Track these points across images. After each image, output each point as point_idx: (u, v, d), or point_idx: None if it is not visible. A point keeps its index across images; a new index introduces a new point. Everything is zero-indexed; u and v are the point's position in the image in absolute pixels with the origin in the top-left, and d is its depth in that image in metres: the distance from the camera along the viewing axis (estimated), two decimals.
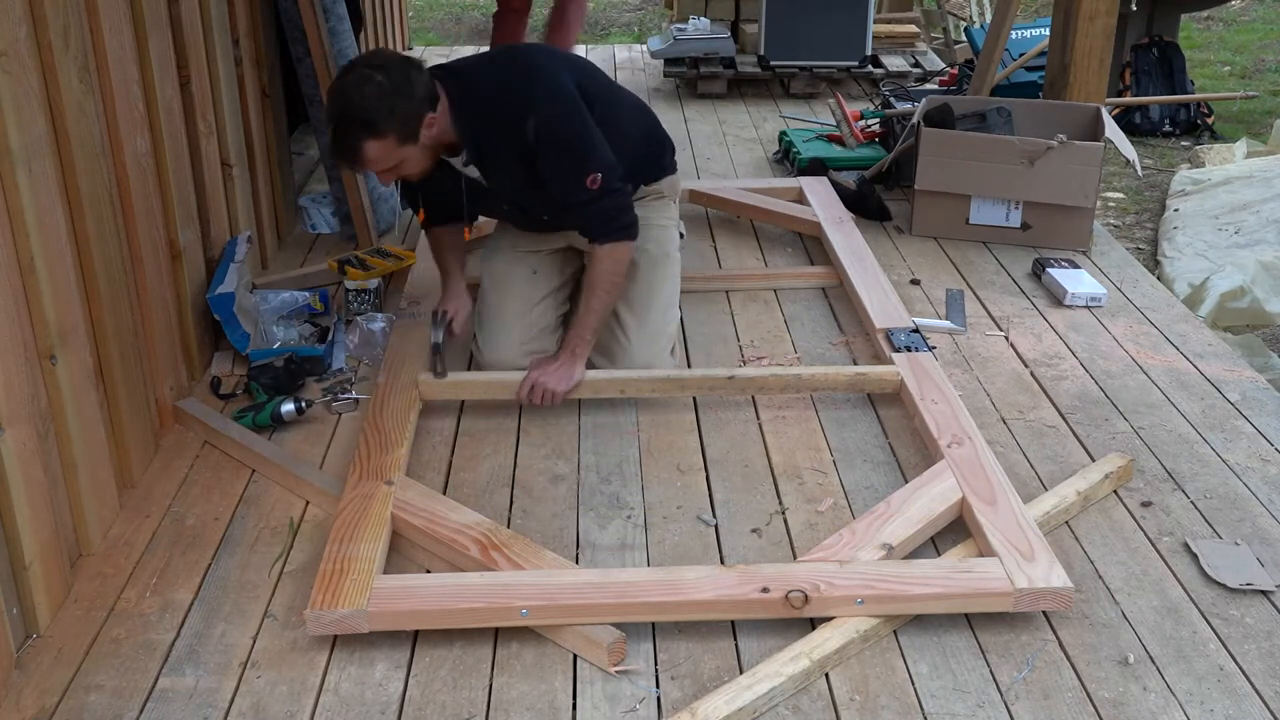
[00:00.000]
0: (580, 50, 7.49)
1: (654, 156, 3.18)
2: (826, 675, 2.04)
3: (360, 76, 2.58)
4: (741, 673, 2.02)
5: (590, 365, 2.94)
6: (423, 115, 2.61)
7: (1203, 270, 4.33)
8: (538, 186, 2.81)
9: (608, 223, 2.83)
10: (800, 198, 4.18)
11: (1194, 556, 2.35)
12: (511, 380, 2.89)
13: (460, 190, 2.90)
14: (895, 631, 2.14)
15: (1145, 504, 2.53)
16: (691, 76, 6.17)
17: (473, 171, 2.85)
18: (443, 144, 2.73)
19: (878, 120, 4.93)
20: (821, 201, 4.07)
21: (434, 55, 7.23)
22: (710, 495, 2.58)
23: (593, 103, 2.82)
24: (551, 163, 2.75)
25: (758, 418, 2.89)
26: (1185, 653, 2.09)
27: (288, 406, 2.82)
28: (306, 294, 3.36)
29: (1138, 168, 4.10)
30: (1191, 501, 2.54)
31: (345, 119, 2.57)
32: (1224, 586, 2.26)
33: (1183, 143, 6.14)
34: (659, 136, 3.21)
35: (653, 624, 2.15)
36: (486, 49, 3.41)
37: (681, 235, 3.33)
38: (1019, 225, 3.93)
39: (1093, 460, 2.68)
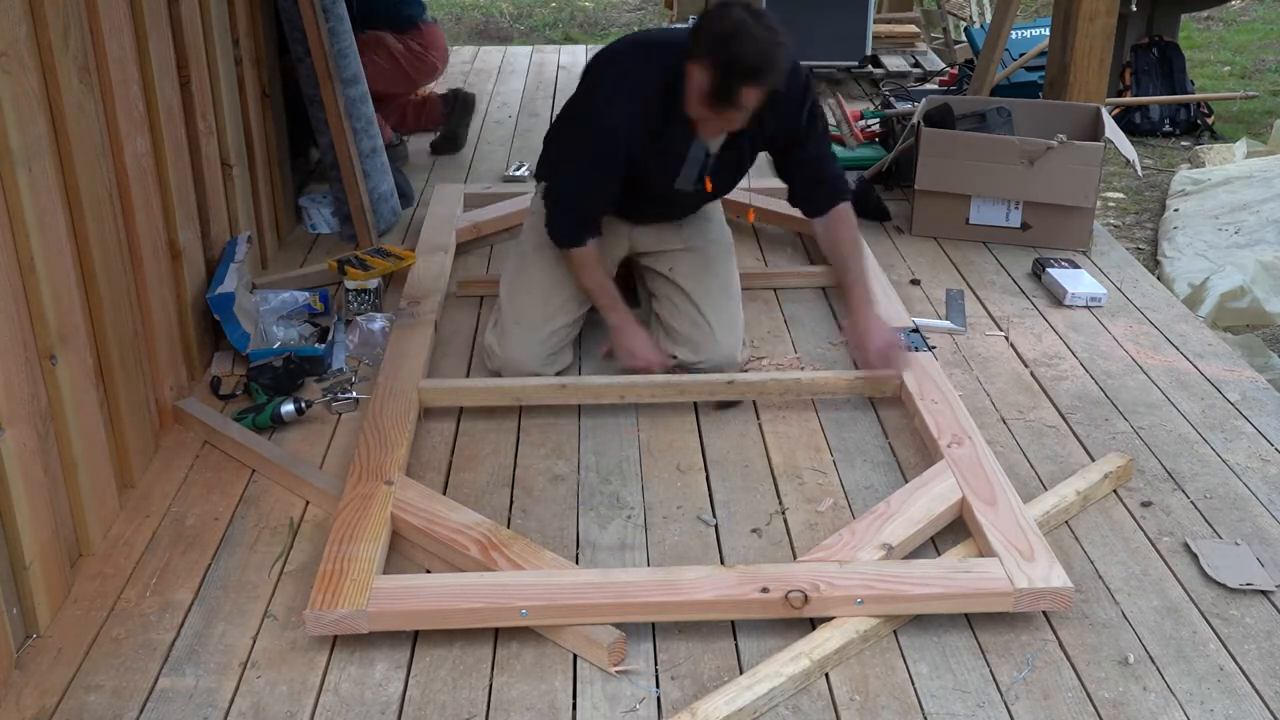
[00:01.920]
0: (580, 50, 7.49)
1: None
2: (826, 675, 2.04)
3: (775, 26, 2.59)
4: (741, 673, 2.02)
5: (654, 365, 2.97)
6: None
7: (1203, 270, 4.33)
8: (737, 172, 2.98)
9: (843, 181, 3.01)
10: None
11: (1194, 556, 2.35)
12: (512, 387, 2.89)
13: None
14: (895, 631, 2.14)
15: (1145, 504, 2.53)
16: None
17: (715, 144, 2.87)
18: None
19: (878, 120, 4.93)
20: None
21: None
22: (710, 495, 2.58)
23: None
24: (808, 126, 2.89)
25: (758, 418, 2.89)
26: (1185, 653, 2.09)
27: (288, 407, 2.82)
28: (306, 294, 3.36)
29: (1138, 168, 4.10)
30: (1191, 501, 2.54)
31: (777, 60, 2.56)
32: (1224, 586, 2.26)
33: (1183, 143, 6.14)
34: None
35: (653, 624, 2.15)
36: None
37: None
38: (1019, 225, 3.93)
39: (1093, 460, 2.68)
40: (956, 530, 2.39)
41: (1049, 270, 3.64)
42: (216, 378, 3.03)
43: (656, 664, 2.07)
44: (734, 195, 4.13)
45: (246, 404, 2.92)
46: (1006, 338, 3.32)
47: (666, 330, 3.05)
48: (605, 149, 2.79)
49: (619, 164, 2.80)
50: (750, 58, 2.51)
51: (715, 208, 3.22)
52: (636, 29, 9.55)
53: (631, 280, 3.25)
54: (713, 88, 2.56)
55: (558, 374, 3.01)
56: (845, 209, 3.01)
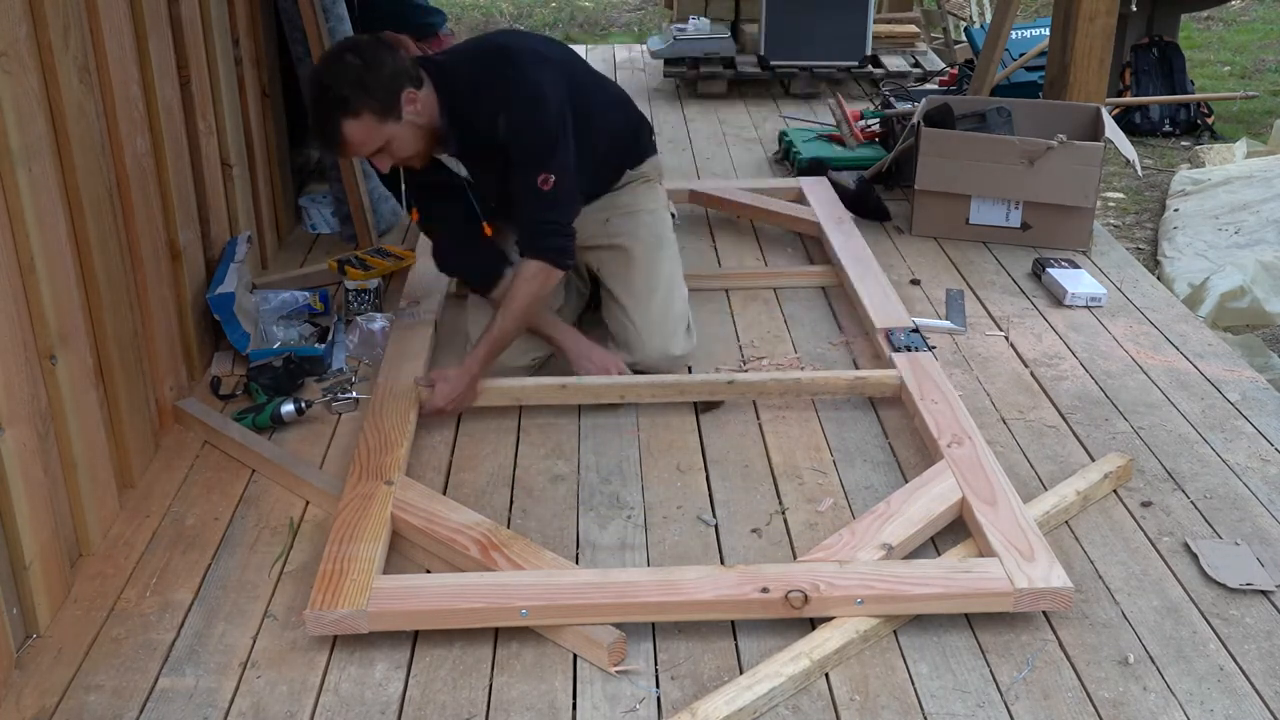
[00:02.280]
0: (580, 50, 7.49)
1: (634, 136, 3.18)
2: (826, 675, 2.04)
3: (331, 57, 2.61)
4: (741, 673, 2.02)
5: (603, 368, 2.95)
6: (400, 89, 2.58)
7: (1203, 270, 4.33)
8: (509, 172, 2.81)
9: (541, 234, 2.77)
10: (800, 198, 4.18)
11: (1194, 556, 2.35)
12: (511, 387, 2.89)
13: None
14: (895, 631, 2.14)
15: (1145, 504, 2.53)
16: (691, 76, 6.16)
17: (459, 167, 2.84)
18: (433, 129, 2.70)
19: (878, 120, 4.93)
20: (821, 201, 4.07)
21: None
22: (710, 495, 2.58)
23: (575, 92, 2.81)
24: (516, 156, 2.74)
25: (758, 418, 2.89)
26: (1185, 653, 2.09)
27: (287, 407, 2.81)
28: (306, 294, 3.36)
29: (1138, 168, 4.10)
30: (1191, 501, 2.54)
31: (320, 101, 2.58)
32: (1224, 586, 2.26)
33: (1183, 143, 6.14)
34: (636, 116, 3.22)
35: (653, 624, 2.15)
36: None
37: (674, 216, 3.32)
38: (1019, 225, 3.93)
39: (1093, 460, 2.68)
40: (956, 530, 2.39)
41: (1049, 270, 3.64)
42: (216, 378, 3.03)
43: (656, 664, 2.07)
44: (731, 195, 4.17)
45: (246, 404, 2.92)
46: (1006, 338, 3.32)
47: (608, 332, 3.08)
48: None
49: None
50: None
51: (645, 199, 3.14)
52: (636, 29, 9.55)
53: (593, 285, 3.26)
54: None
55: (533, 360, 3.03)
56: (523, 267, 2.77)
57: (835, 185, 4.22)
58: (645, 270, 3.05)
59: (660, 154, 3.30)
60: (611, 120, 3.06)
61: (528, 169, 2.72)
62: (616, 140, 3.08)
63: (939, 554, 2.34)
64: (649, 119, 3.32)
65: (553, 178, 2.71)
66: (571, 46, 3.76)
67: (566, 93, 2.78)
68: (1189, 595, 2.24)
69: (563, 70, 2.86)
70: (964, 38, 6.71)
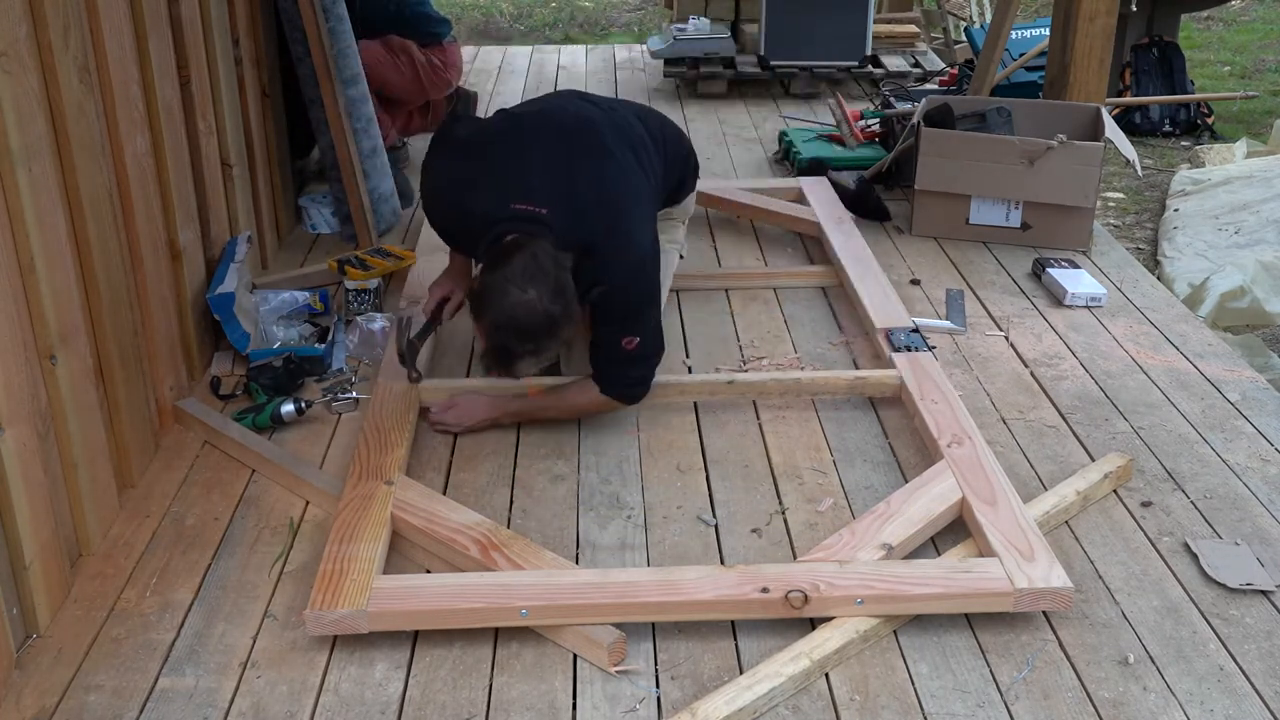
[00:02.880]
0: (580, 51, 7.49)
1: (679, 187, 3.16)
2: (826, 675, 2.04)
3: (525, 299, 2.40)
4: (741, 673, 2.02)
5: (555, 366, 2.93)
6: (574, 318, 2.49)
7: (1203, 270, 4.33)
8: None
9: (624, 385, 2.77)
10: (800, 198, 4.18)
11: (1194, 556, 2.35)
12: (509, 386, 2.89)
13: None
14: (895, 631, 2.14)
15: (1145, 504, 2.53)
16: (691, 76, 6.16)
17: None
18: None
19: (878, 120, 4.93)
20: (821, 201, 4.07)
21: None
22: (710, 495, 2.58)
23: (646, 186, 2.78)
24: (602, 319, 2.69)
25: (758, 418, 2.89)
26: (1185, 653, 2.09)
27: (287, 407, 2.81)
28: (306, 294, 3.36)
29: (1138, 168, 4.10)
30: (1191, 501, 2.54)
31: (512, 343, 2.46)
32: (1224, 586, 2.26)
33: (1183, 143, 6.14)
34: (681, 170, 3.16)
35: (653, 624, 2.15)
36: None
37: (681, 257, 3.30)
38: (1019, 225, 3.93)
39: (1093, 460, 2.68)
40: (956, 530, 2.39)
41: (1049, 270, 3.64)
42: (216, 378, 3.03)
43: (656, 664, 2.07)
44: (731, 195, 4.17)
45: (246, 404, 2.92)
46: (1006, 338, 3.32)
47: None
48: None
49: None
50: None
51: (661, 237, 3.04)
52: (636, 29, 9.55)
53: None
54: None
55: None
56: (591, 386, 2.77)
57: (835, 185, 4.22)
58: None
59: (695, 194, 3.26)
60: (666, 185, 3.03)
61: (614, 330, 2.68)
62: (659, 194, 3.00)
63: (939, 554, 2.34)
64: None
65: (637, 339, 2.68)
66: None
67: (654, 227, 2.73)
68: (1189, 595, 2.24)
69: (653, 196, 2.79)
70: (964, 38, 6.71)
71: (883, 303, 3.29)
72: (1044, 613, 2.17)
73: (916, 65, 6.27)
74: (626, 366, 2.75)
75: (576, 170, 2.66)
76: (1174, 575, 2.30)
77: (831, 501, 2.55)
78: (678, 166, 3.12)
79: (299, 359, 3.04)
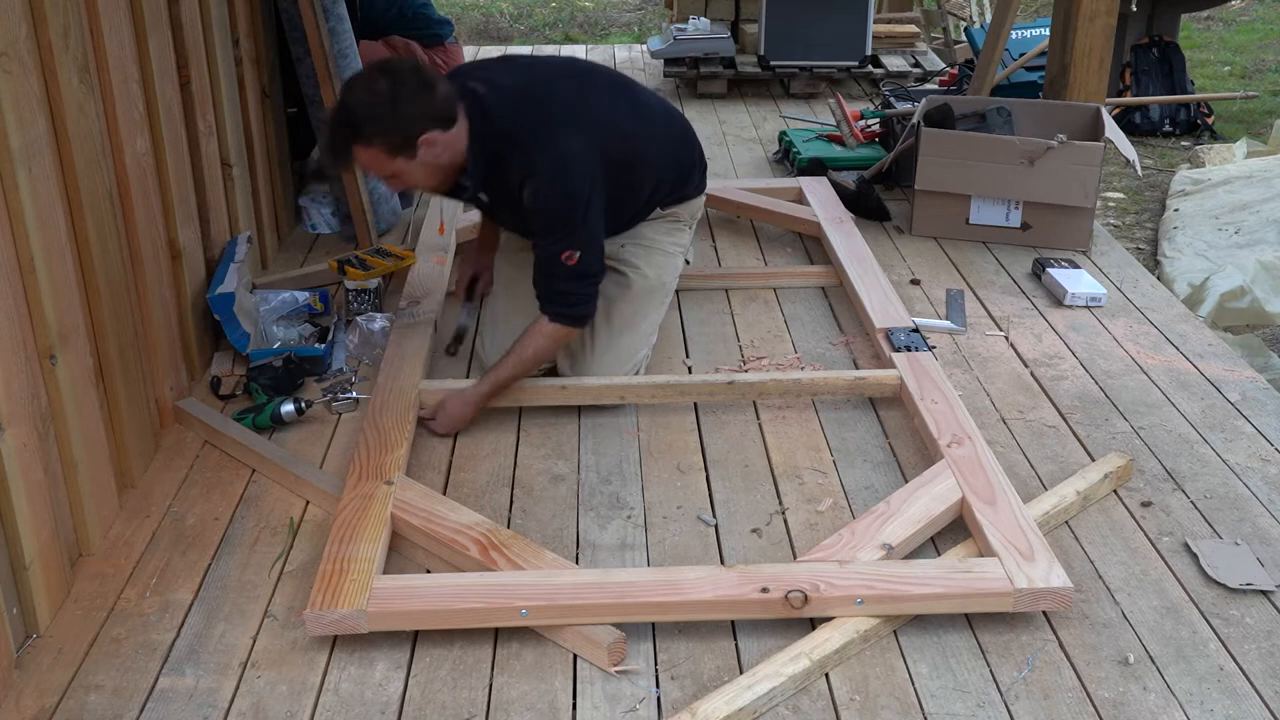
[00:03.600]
0: (580, 51, 7.49)
1: (682, 181, 3.11)
2: (826, 675, 2.04)
3: (365, 78, 2.56)
4: (741, 673, 2.02)
5: (552, 369, 2.95)
6: (420, 132, 2.52)
7: (1203, 270, 4.34)
8: (529, 229, 2.79)
9: (561, 303, 2.75)
10: (800, 198, 4.18)
11: (1194, 556, 2.35)
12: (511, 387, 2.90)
13: None
14: (895, 631, 2.14)
15: (1145, 504, 2.53)
16: (691, 76, 6.17)
17: (482, 196, 2.84)
18: (455, 168, 2.67)
19: (878, 120, 4.93)
20: (821, 201, 4.07)
21: None
22: (710, 495, 2.58)
23: (619, 147, 2.76)
24: (538, 227, 2.71)
25: (758, 418, 2.89)
26: (1185, 653, 2.09)
27: (287, 407, 2.82)
28: (306, 294, 3.36)
29: (1138, 168, 4.10)
30: (1191, 501, 2.54)
31: (337, 118, 2.57)
32: (1224, 586, 2.26)
33: (1183, 143, 6.14)
34: (688, 162, 3.13)
35: (653, 624, 2.15)
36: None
37: (688, 263, 3.29)
38: (1019, 225, 3.93)
39: (1093, 460, 2.68)
40: (956, 530, 2.39)
41: (1049, 270, 3.64)
42: (216, 378, 3.02)
43: (656, 664, 2.07)
44: (731, 195, 4.17)
45: (247, 404, 2.91)
46: (1006, 338, 3.32)
47: None
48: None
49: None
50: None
51: (667, 238, 3.10)
52: (636, 29, 9.55)
53: None
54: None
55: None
56: (541, 323, 2.77)
57: (835, 185, 4.22)
58: (631, 308, 3.01)
59: (704, 195, 3.22)
60: (660, 171, 3.00)
61: (551, 243, 2.70)
62: (659, 187, 3.02)
63: (939, 554, 2.34)
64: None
65: (577, 254, 2.68)
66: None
67: (601, 156, 2.71)
68: (1189, 595, 2.24)
69: (603, 130, 2.76)
70: (964, 38, 6.71)
71: (883, 303, 3.29)
72: (1044, 613, 2.17)
73: (916, 65, 6.27)
74: (568, 283, 2.72)
75: (536, 76, 2.83)
76: (1174, 575, 2.30)
77: (831, 501, 2.55)
78: (678, 146, 3.09)
79: (299, 359, 3.04)
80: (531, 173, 2.65)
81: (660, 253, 3.09)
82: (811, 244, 3.99)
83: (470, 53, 7.02)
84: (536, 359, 2.82)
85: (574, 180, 2.68)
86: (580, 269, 2.71)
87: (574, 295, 2.76)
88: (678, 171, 3.10)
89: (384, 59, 2.64)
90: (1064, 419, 2.88)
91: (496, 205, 2.88)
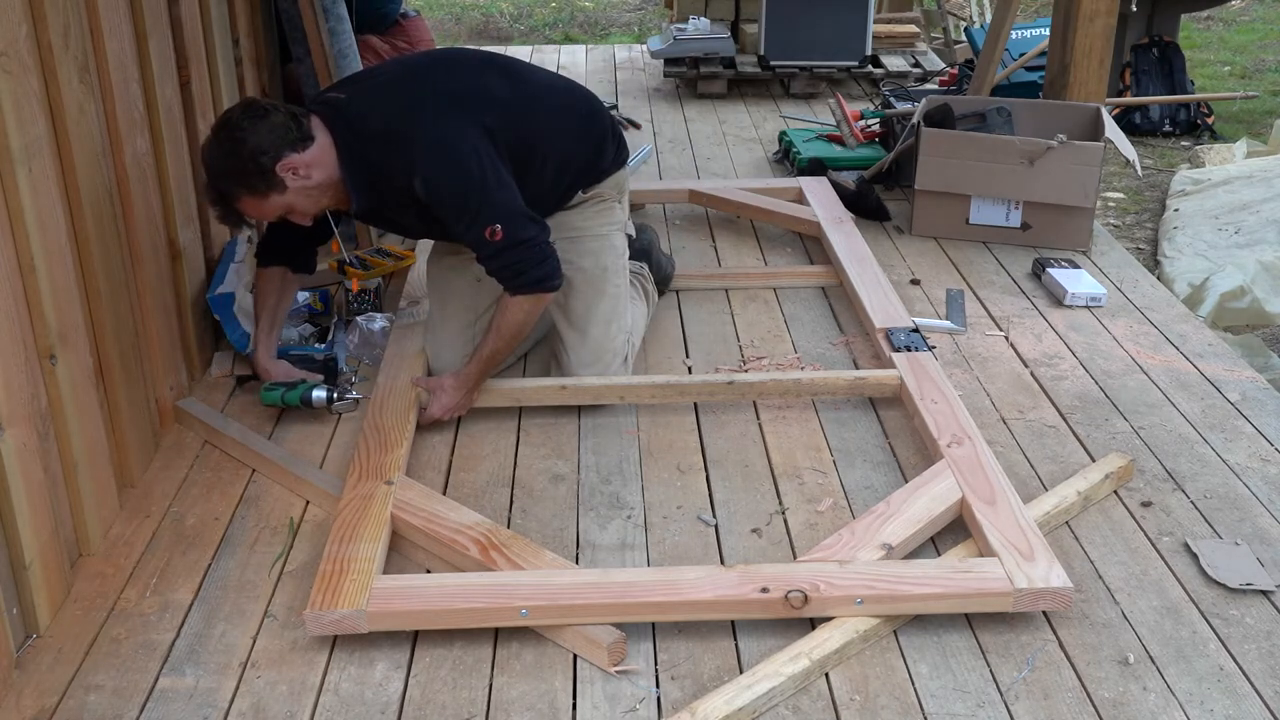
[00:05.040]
0: (580, 51, 7.49)
1: (595, 155, 2.96)
2: (826, 675, 2.04)
3: (208, 142, 2.59)
4: (741, 673, 2.02)
5: (545, 374, 2.96)
6: (271, 163, 2.49)
7: (1203, 270, 4.34)
8: (432, 223, 2.75)
9: (517, 276, 2.66)
10: (800, 198, 4.18)
11: (1194, 556, 2.35)
12: (511, 388, 2.90)
13: (316, 226, 2.77)
14: (895, 631, 2.14)
15: (1145, 504, 2.53)
16: (691, 76, 6.17)
17: (360, 209, 2.73)
18: (334, 183, 2.60)
19: (878, 120, 4.93)
20: (821, 201, 4.07)
21: None
22: (710, 495, 2.58)
23: (498, 134, 2.66)
24: (449, 219, 2.65)
25: (758, 418, 2.89)
26: (1185, 653, 2.09)
27: (319, 393, 2.83)
28: (306, 294, 3.36)
29: (1138, 168, 4.10)
30: (1191, 501, 2.54)
31: (207, 189, 2.63)
32: (1224, 586, 2.26)
33: (1183, 143, 6.14)
34: (594, 133, 2.96)
35: (653, 624, 2.15)
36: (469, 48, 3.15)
37: (631, 237, 3.20)
38: (1019, 225, 3.93)
39: (1093, 460, 2.68)
40: (956, 530, 2.39)
41: (1049, 270, 3.64)
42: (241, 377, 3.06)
43: (656, 664, 2.07)
44: (731, 195, 4.17)
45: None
46: (1006, 338, 3.32)
47: (550, 348, 3.06)
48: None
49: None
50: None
51: (596, 221, 2.98)
52: (636, 29, 9.55)
53: None
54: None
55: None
56: (506, 299, 2.71)
57: (835, 185, 4.22)
58: (584, 301, 2.94)
59: (631, 166, 3.09)
60: (563, 144, 2.87)
61: (468, 228, 2.62)
62: (569, 164, 2.90)
63: (939, 554, 2.34)
64: (617, 124, 3.11)
65: (499, 226, 2.59)
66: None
67: (486, 134, 2.64)
68: (1189, 595, 2.24)
69: (479, 108, 2.68)
70: (964, 38, 6.71)
71: (883, 303, 3.29)
72: (1044, 613, 2.17)
73: (916, 65, 6.27)
74: (506, 255, 2.63)
75: (396, 74, 2.86)
76: (1174, 575, 2.30)
77: (831, 501, 2.55)
78: (582, 118, 2.96)
79: (334, 361, 3.05)
80: (414, 169, 2.58)
81: (591, 238, 2.97)
82: (811, 244, 3.99)
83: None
84: (516, 331, 2.76)
85: (460, 158, 2.60)
86: (509, 239, 2.60)
87: (519, 264, 2.65)
88: (588, 144, 2.95)
89: (221, 115, 2.63)
90: (1064, 419, 2.88)
91: (393, 213, 2.79)
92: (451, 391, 2.81)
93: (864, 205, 4.17)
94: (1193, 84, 6.49)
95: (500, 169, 2.64)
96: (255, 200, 2.56)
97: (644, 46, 7.33)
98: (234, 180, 2.53)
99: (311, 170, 2.55)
